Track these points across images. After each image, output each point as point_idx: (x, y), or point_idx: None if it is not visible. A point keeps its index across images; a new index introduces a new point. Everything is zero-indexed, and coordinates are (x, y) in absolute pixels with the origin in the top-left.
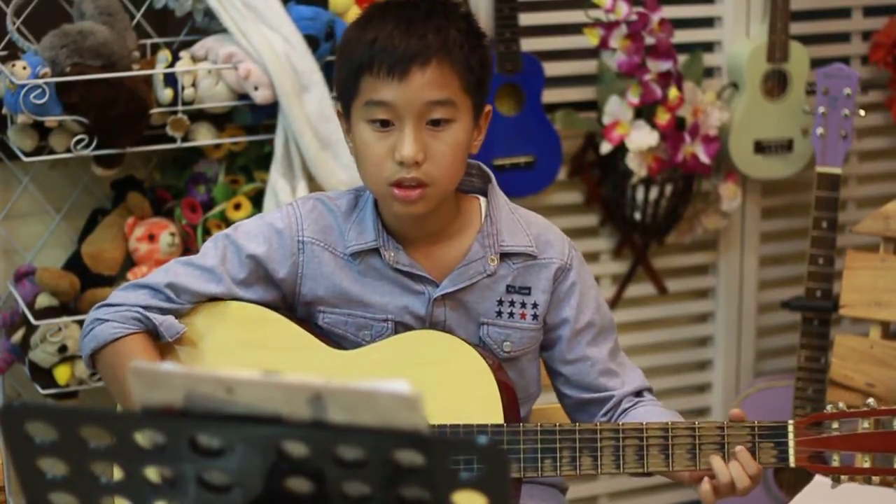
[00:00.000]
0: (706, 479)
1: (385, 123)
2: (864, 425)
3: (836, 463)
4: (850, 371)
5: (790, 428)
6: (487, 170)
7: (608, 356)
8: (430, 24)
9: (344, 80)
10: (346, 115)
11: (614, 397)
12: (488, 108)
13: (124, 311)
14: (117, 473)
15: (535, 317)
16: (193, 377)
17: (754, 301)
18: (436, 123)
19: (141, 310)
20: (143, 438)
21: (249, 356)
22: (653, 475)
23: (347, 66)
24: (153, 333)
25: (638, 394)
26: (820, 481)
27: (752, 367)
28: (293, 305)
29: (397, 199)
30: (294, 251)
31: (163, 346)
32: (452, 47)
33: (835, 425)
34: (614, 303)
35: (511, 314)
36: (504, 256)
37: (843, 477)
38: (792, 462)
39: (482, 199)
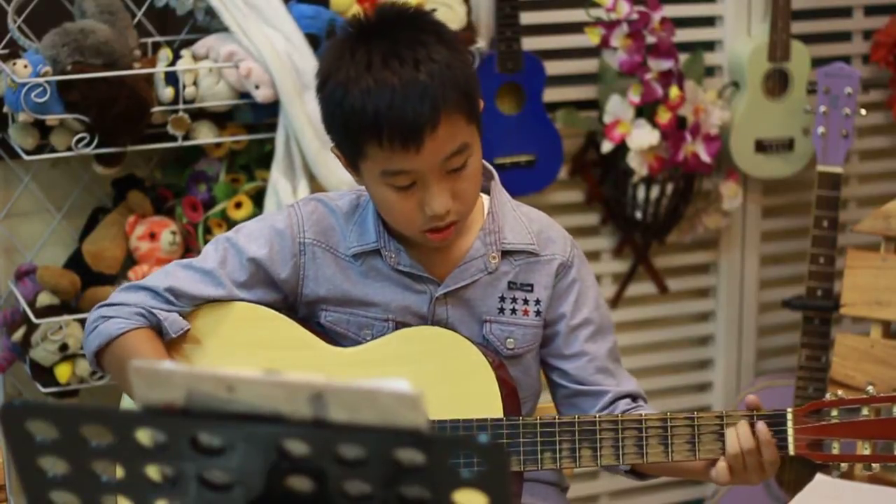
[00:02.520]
0: (721, 458)
1: (407, 185)
2: (864, 413)
3: (835, 451)
4: (850, 370)
5: (789, 416)
6: (490, 167)
7: (606, 355)
8: (421, 70)
9: (345, 140)
10: (351, 164)
11: (609, 394)
12: (480, 102)
13: (128, 308)
14: (118, 472)
15: (538, 313)
16: (194, 376)
17: (755, 300)
18: (455, 169)
19: (144, 307)
20: (144, 437)
21: (251, 355)
22: (655, 476)
23: (346, 129)
24: (157, 330)
25: (634, 399)
26: (821, 480)
27: (753, 366)
28: (294, 305)
29: (432, 241)
30: (296, 252)
31: (166, 345)
32: (448, 88)
33: (834, 413)
34: (615, 302)
35: (514, 311)
36: (506, 254)
37: (843, 465)
38: (791, 450)
39: (485, 197)
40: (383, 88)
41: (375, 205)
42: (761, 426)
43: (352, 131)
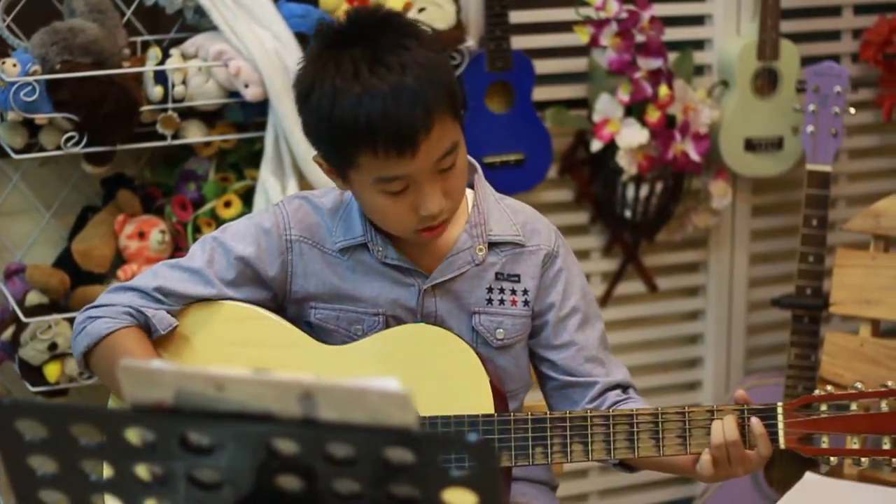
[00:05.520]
0: (706, 450)
1: (400, 190)
2: (854, 407)
3: (825, 445)
4: (840, 369)
5: (779, 410)
6: (473, 161)
7: (594, 344)
8: (408, 74)
9: (334, 151)
10: (338, 173)
11: (598, 384)
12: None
13: (115, 308)
14: (107, 471)
15: (526, 303)
16: (184, 374)
17: (745, 299)
18: (446, 169)
19: (132, 306)
20: (133, 436)
21: (241, 354)
22: (644, 469)
23: (337, 140)
24: (145, 329)
25: (624, 389)
26: (810, 478)
27: (743, 365)
28: (283, 304)
29: (426, 239)
30: (283, 250)
31: (155, 343)
32: (436, 90)
33: (823, 408)
34: (605, 300)
35: (502, 301)
36: (492, 245)
37: (832, 458)
38: (782, 444)
39: (469, 190)
40: (374, 96)
41: (365, 211)
42: (755, 421)
43: (343, 142)
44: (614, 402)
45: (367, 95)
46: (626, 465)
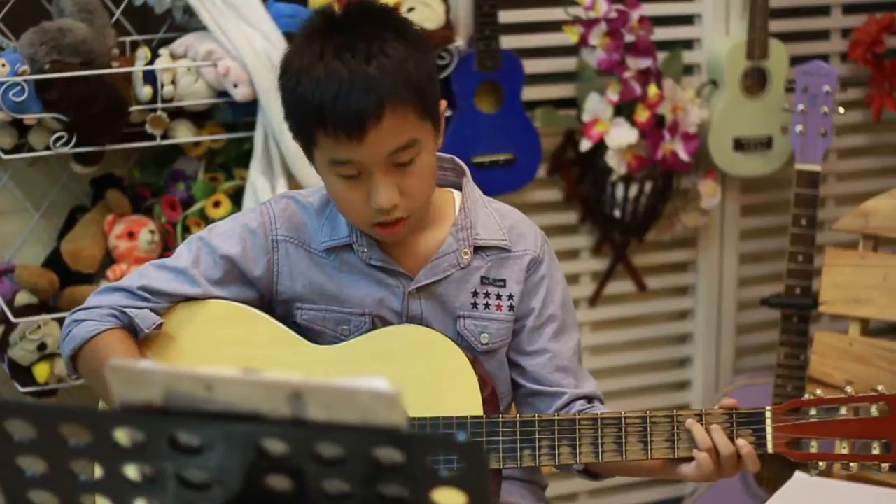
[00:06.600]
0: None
1: (354, 175)
2: (843, 412)
3: (814, 449)
4: (829, 368)
5: (768, 414)
6: (461, 163)
7: (568, 354)
8: (371, 63)
9: (298, 126)
10: (306, 152)
11: (566, 395)
12: (443, 103)
13: (100, 310)
14: (97, 471)
15: (510, 308)
16: (173, 375)
17: (734, 298)
18: (402, 164)
19: (116, 308)
20: (122, 436)
21: (230, 353)
22: (610, 476)
23: (297, 117)
24: (131, 330)
25: (589, 401)
26: (800, 478)
27: (732, 364)
28: (271, 304)
29: (381, 235)
30: (269, 250)
31: (142, 343)
32: (398, 83)
33: (812, 412)
34: (594, 300)
35: (487, 305)
36: (477, 249)
37: (821, 463)
38: (770, 448)
39: (456, 193)
40: (331, 78)
41: (329, 195)
42: (742, 442)
43: (302, 119)
44: (579, 412)
45: (327, 76)
46: (590, 473)
